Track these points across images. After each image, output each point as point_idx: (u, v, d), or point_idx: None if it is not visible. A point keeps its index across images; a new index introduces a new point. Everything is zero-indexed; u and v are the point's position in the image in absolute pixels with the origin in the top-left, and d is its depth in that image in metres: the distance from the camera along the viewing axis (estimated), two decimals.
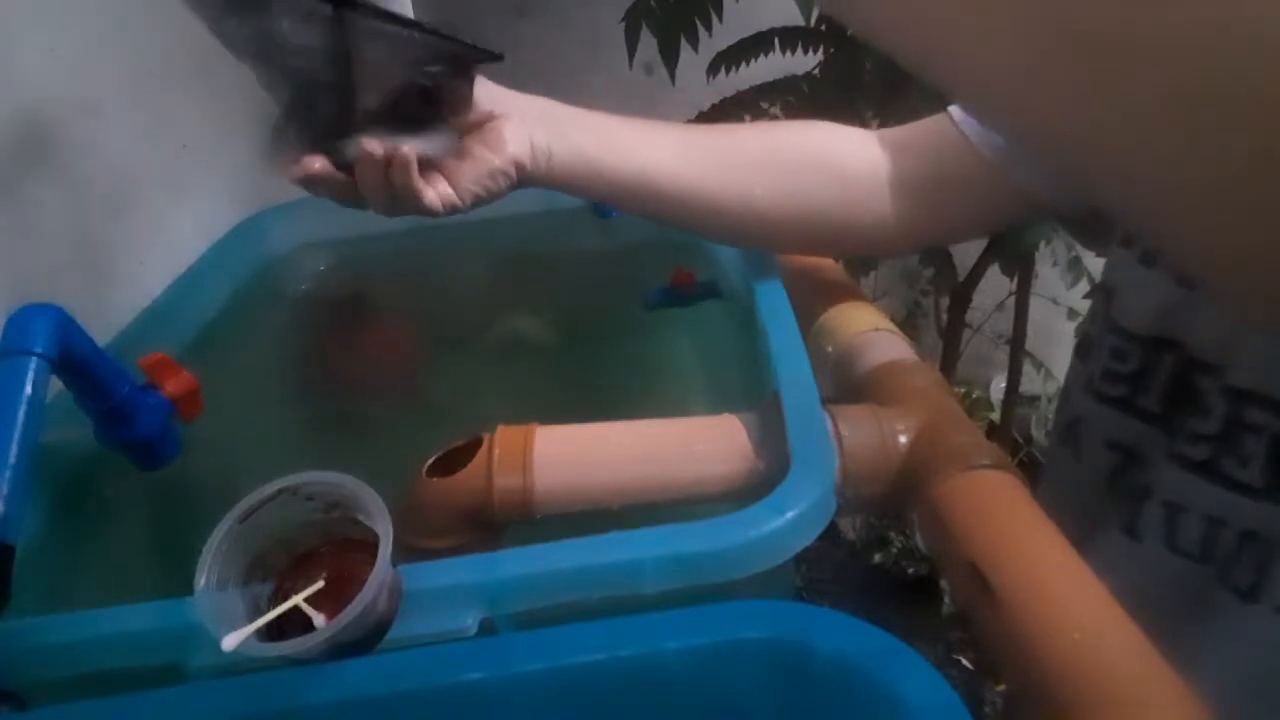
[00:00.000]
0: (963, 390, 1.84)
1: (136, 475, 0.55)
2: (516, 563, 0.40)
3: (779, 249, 0.65)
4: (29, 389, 0.44)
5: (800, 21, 1.15)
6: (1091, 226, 0.57)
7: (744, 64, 1.23)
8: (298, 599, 0.37)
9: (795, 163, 0.55)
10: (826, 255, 0.71)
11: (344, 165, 0.50)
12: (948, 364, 1.52)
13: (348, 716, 0.36)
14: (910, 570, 1.60)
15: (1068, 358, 0.58)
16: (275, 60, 0.47)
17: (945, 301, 1.59)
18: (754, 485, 0.48)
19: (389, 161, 0.49)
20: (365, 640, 0.38)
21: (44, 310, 0.48)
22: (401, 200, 0.51)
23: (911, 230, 0.58)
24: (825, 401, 0.49)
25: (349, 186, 0.51)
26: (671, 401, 0.71)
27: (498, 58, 0.51)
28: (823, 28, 1.20)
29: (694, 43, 1.16)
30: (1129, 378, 0.50)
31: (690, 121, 1.27)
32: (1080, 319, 1.22)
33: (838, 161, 0.56)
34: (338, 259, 0.91)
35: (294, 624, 0.37)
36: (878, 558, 1.64)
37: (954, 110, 0.55)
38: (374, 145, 0.49)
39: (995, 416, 1.73)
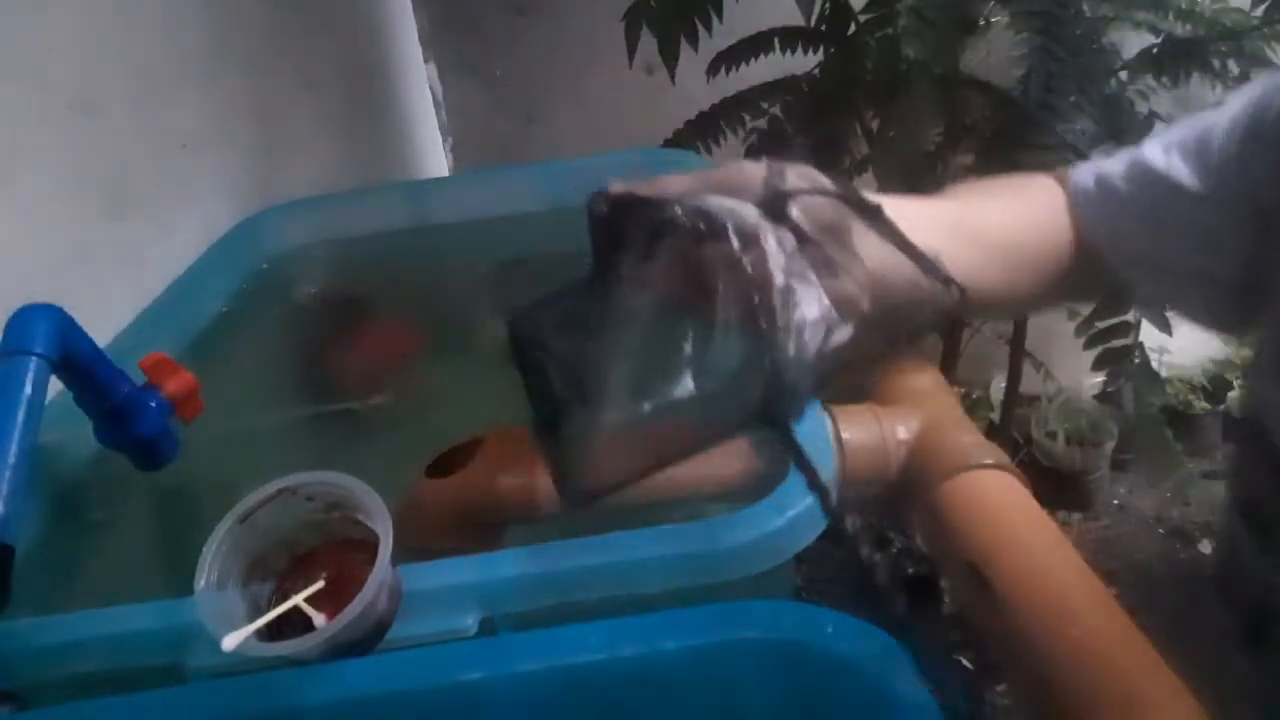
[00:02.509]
0: (963, 390, 1.84)
1: (136, 475, 0.55)
2: (516, 563, 0.40)
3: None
4: (29, 389, 0.44)
5: (800, 21, 1.15)
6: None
7: (744, 64, 1.23)
8: (298, 599, 0.37)
9: (1045, 259, 0.54)
10: None
11: None
12: (948, 364, 1.52)
13: (348, 716, 0.36)
14: (910, 570, 1.60)
15: (1067, 358, 0.59)
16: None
17: None
18: (754, 485, 0.48)
19: None
20: (365, 640, 0.38)
21: (44, 310, 0.48)
22: None
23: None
24: (825, 401, 0.49)
25: None
26: None
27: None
28: (822, 28, 1.20)
29: (694, 43, 1.16)
30: None
31: (690, 121, 1.27)
32: (1079, 318, 1.22)
33: (1060, 243, 0.54)
34: (338, 259, 0.91)
35: (294, 624, 0.37)
36: (878, 558, 1.64)
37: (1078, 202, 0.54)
38: None
39: (995, 416, 1.73)
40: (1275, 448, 0.44)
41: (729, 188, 0.39)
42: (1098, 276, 0.53)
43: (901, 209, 0.45)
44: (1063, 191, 0.54)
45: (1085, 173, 0.53)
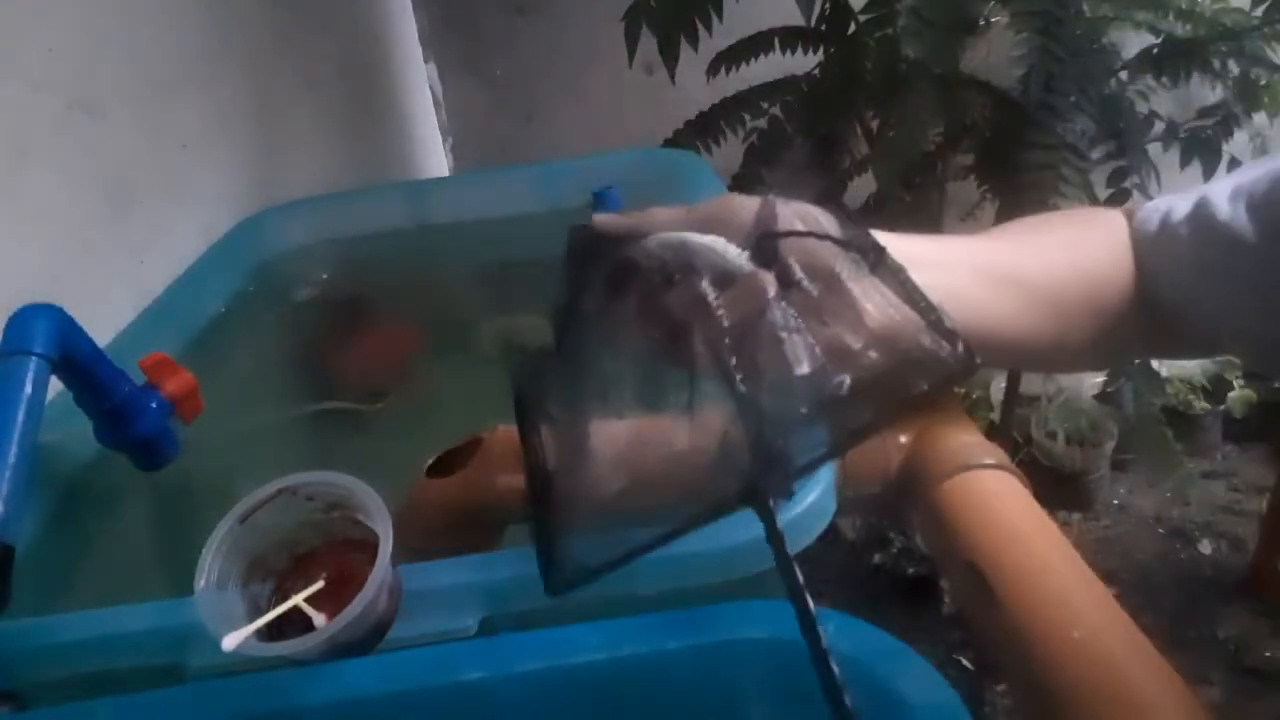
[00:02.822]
0: (963, 390, 1.84)
1: (136, 475, 0.55)
2: (516, 563, 0.40)
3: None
4: (29, 389, 0.44)
5: (800, 21, 1.15)
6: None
7: (744, 64, 1.23)
8: (298, 599, 0.37)
9: (1101, 308, 0.48)
10: None
11: None
12: None
13: (348, 716, 0.36)
14: (910, 570, 1.60)
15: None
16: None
17: None
18: None
19: None
20: (365, 640, 0.38)
21: (44, 310, 0.48)
22: None
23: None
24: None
25: None
26: None
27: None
28: (823, 28, 1.20)
29: (694, 43, 1.16)
30: None
31: (690, 121, 1.27)
32: None
33: (1122, 288, 0.48)
34: (337, 259, 0.91)
35: (294, 624, 0.37)
36: (878, 558, 1.63)
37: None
38: None
39: (995, 416, 1.73)
40: None
41: (717, 224, 0.36)
42: (1166, 326, 0.47)
43: (927, 248, 0.42)
44: (1129, 228, 0.48)
45: (1151, 211, 0.48)
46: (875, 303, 0.33)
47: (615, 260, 0.35)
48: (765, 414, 0.31)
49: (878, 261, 0.35)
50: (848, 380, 0.31)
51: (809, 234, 0.35)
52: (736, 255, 0.34)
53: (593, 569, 0.34)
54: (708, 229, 0.36)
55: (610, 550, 0.34)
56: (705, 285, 0.33)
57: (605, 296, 0.36)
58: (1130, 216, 0.49)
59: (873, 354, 0.31)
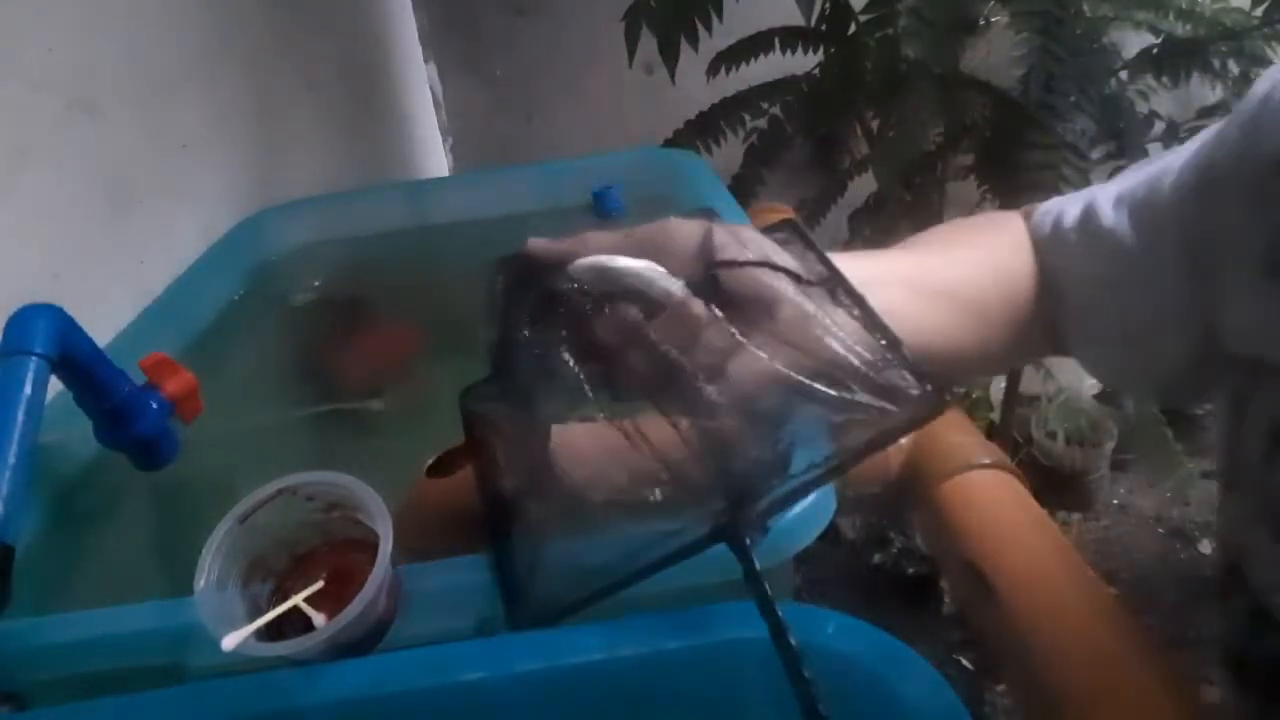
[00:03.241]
0: (963, 390, 1.84)
1: (136, 475, 0.55)
2: None
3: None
4: (29, 389, 0.44)
5: (800, 21, 1.15)
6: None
7: (744, 64, 1.23)
8: (298, 599, 0.37)
9: (1018, 314, 0.48)
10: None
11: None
12: None
13: (348, 716, 0.36)
14: (910, 570, 1.60)
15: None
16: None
17: None
18: None
19: None
20: (365, 640, 0.38)
21: (44, 310, 0.48)
22: None
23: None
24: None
25: None
26: None
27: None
28: (823, 28, 1.20)
29: (694, 43, 1.16)
30: None
31: (690, 121, 1.27)
32: None
33: (1029, 291, 0.49)
34: (337, 259, 0.91)
35: (294, 624, 0.37)
36: (878, 558, 1.63)
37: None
38: None
39: (995, 416, 1.72)
40: (1259, 598, 0.37)
41: (653, 248, 0.35)
42: (1060, 327, 0.47)
43: (858, 266, 0.40)
44: (1027, 230, 0.48)
45: (1044, 214, 0.48)
46: (834, 336, 0.32)
47: (542, 288, 0.34)
48: (716, 446, 0.29)
49: (834, 290, 0.34)
50: (803, 413, 0.29)
51: (749, 263, 0.34)
52: (666, 280, 0.33)
53: (557, 607, 0.34)
54: (644, 253, 0.35)
55: (575, 587, 0.33)
56: (633, 312, 0.32)
57: (536, 326, 0.35)
58: (1028, 217, 0.49)
59: (823, 387, 0.30)
